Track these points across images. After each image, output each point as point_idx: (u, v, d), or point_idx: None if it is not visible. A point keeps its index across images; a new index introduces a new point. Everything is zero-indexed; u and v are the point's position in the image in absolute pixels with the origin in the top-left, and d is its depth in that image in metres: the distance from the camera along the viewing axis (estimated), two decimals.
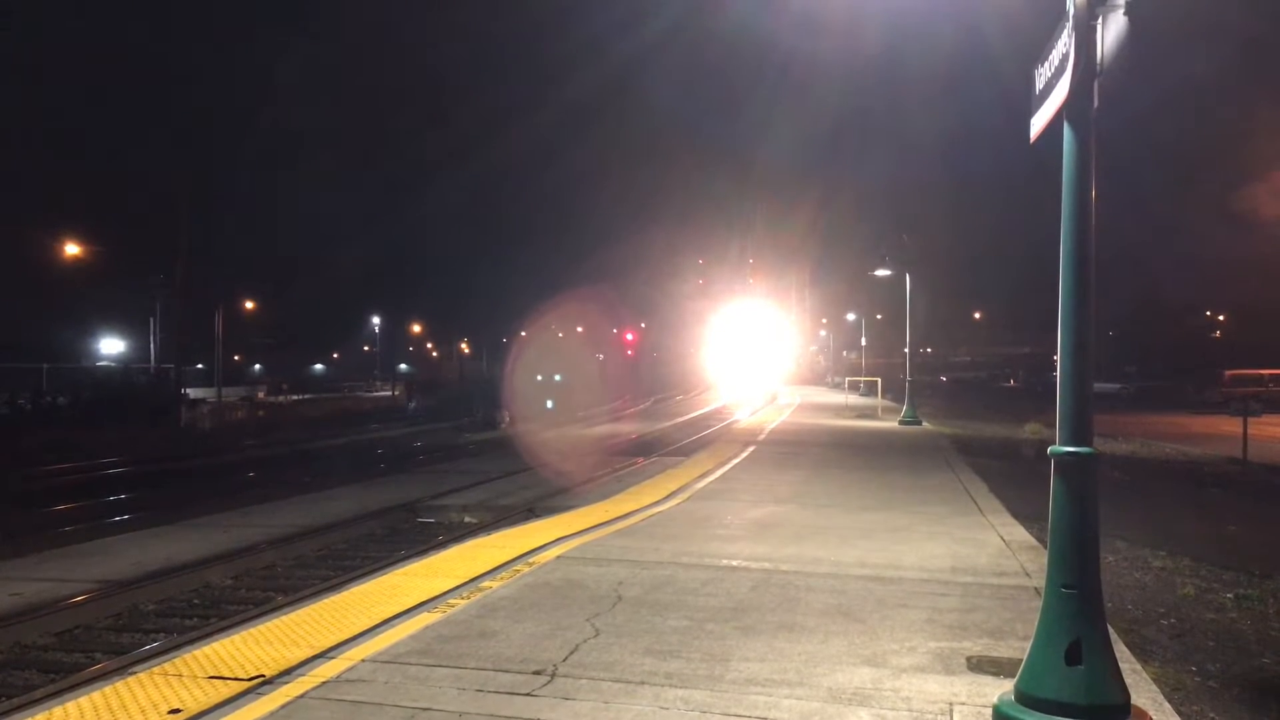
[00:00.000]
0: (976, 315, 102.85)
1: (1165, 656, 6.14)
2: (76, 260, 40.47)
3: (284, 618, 6.18)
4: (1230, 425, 24.80)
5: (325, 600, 6.67)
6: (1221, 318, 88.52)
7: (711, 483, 13.60)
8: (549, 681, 4.87)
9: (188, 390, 42.12)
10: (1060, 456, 4.31)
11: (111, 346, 50.38)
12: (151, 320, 41.83)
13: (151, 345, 42.26)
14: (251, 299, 64.13)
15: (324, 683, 4.85)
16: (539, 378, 55.59)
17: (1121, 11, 4.18)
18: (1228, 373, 49.16)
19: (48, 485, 18.85)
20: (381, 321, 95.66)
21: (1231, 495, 15.42)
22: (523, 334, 78.99)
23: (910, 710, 4.53)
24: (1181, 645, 6.46)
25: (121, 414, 32.03)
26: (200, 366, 54.91)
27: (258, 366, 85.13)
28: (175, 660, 5.23)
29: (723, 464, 16.19)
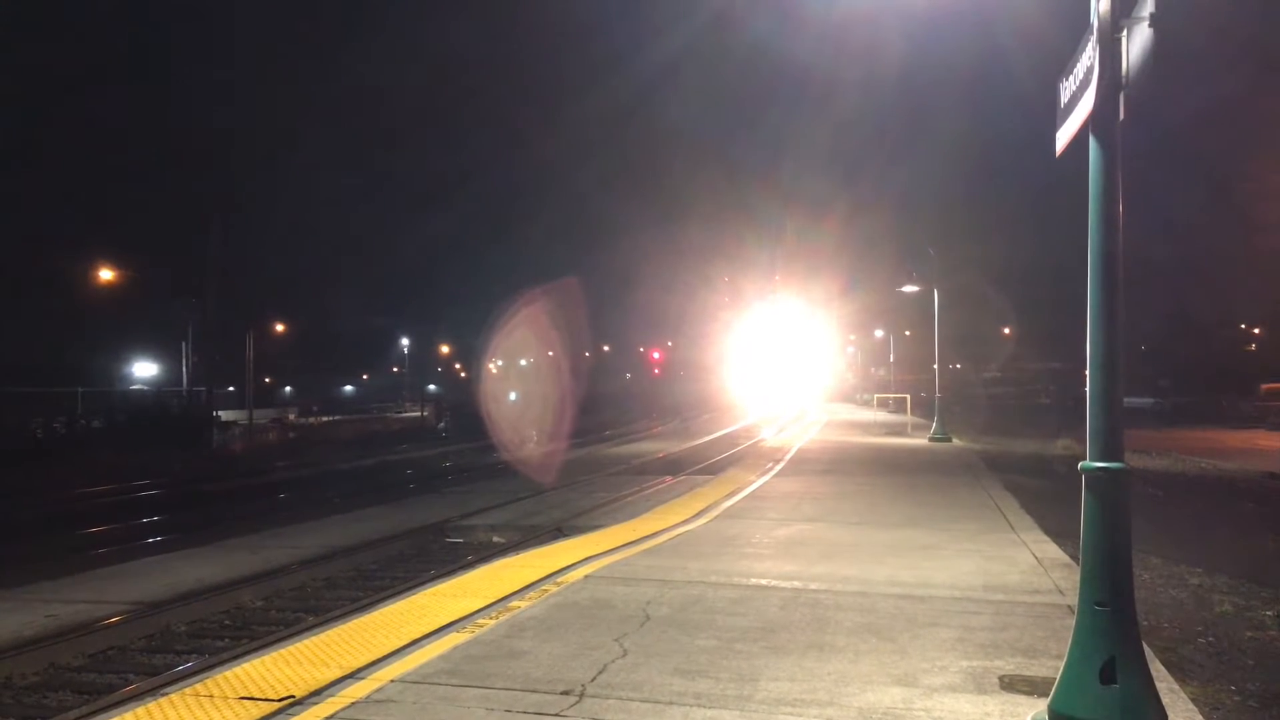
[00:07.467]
0: (1006, 331, 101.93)
1: (1203, 675, 6.03)
2: (109, 285, 41.09)
3: (314, 638, 6.21)
4: (1267, 439, 24.43)
5: (354, 621, 6.70)
6: (1256, 331, 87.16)
7: (739, 501, 13.55)
8: (577, 702, 4.85)
9: (219, 413, 42.58)
10: (1091, 472, 4.26)
11: (144, 370, 51.06)
12: (183, 344, 42.34)
13: (183, 368, 42.75)
14: (282, 321, 64.77)
15: (353, 703, 4.87)
16: (566, 397, 55.79)
17: (1146, 24, 4.14)
18: (1264, 386, 48.45)
19: (82, 507, 19.06)
20: (410, 343, 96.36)
21: (1269, 510, 15.16)
22: (550, 353, 79.40)
23: None
24: (1220, 664, 6.34)
25: (154, 437, 32.45)
26: (231, 389, 55.44)
27: (288, 388, 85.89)
28: (207, 681, 5.27)
29: (750, 482, 16.13)
